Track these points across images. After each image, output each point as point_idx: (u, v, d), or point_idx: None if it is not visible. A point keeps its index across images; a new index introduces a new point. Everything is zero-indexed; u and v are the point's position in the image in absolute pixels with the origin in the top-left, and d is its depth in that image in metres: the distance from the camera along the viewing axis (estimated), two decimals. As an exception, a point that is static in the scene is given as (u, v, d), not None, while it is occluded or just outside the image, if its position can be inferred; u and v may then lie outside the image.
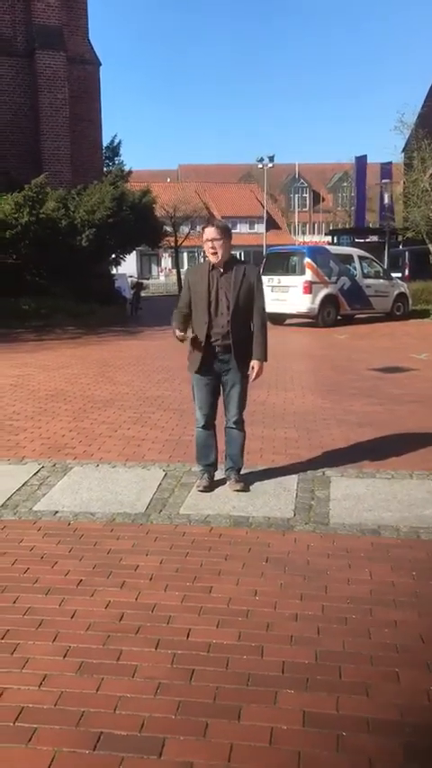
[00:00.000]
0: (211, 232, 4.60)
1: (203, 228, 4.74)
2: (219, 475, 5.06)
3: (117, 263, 23.29)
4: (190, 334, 4.70)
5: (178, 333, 4.79)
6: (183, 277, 5.10)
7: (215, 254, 4.60)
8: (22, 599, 3.37)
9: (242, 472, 5.05)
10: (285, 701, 2.57)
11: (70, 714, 2.50)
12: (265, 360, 4.80)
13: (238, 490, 4.85)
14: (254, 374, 4.76)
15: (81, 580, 3.57)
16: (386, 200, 29.12)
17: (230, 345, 4.67)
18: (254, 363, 4.75)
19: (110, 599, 3.36)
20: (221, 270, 4.67)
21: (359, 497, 4.76)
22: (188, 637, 3.02)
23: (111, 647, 2.94)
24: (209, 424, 4.92)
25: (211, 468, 4.98)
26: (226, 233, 4.64)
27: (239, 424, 4.90)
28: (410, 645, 2.96)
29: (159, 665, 2.80)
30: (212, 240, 4.58)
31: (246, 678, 2.71)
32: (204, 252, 4.72)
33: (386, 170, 31.77)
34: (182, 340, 4.77)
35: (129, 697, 2.60)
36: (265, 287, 5.07)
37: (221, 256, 4.61)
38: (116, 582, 3.54)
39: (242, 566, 3.72)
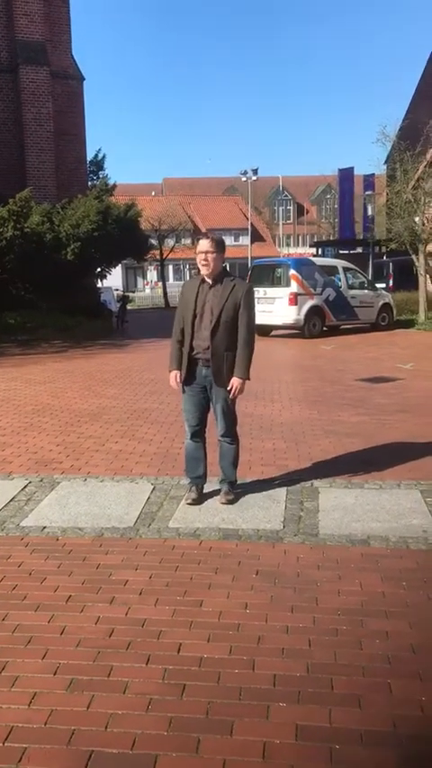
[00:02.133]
0: (204, 244, 4.60)
1: (198, 240, 4.75)
2: (209, 487, 5.05)
3: (103, 277, 23.28)
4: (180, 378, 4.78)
5: (172, 377, 4.81)
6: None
7: (206, 265, 4.61)
8: (10, 616, 3.33)
9: (228, 483, 5.05)
10: (278, 715, 2.56)
11: (60, 733, 2.47)
12: (246, 378, 4.71)
13: (223, 503, 4.84)
14: (233, 392, 4.69)
15: (70, 596, 3.54)
16: (369, 212, 29.39)
17: (209, 358, 4.68)
18: (234, 381, 4.67)
19: (99, 615, 3.33)
20: (211, 283, 4.67)
21: (348, 508, 4.76)
22: (179, 651, 3.00)
23: (101, 663, 2.91)
24: (197, 436, 4.91)
25: (199, 480, 4.97)
26: (219, 246, 4.64)
27: (229, 437, 4.90)
28: (402, 655, 2.95)
29: (150, 681, 2.78)
30: (206, 252, 4.59)
31: (238, 692, 2.70)
32: (197, 264, 4.73)
33: (368, 182, 32.03)
34: (175, 383, 4.82)
35: (120, 714, 2.57)
36: None
37: (212, 269, 4.62)
38: (106, 597, 3.52)
39: (232, 579, 3.71)
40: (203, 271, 4.65)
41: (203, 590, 3.58)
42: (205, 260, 4.60)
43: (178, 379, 4.79)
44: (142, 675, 2.82)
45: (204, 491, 5.01)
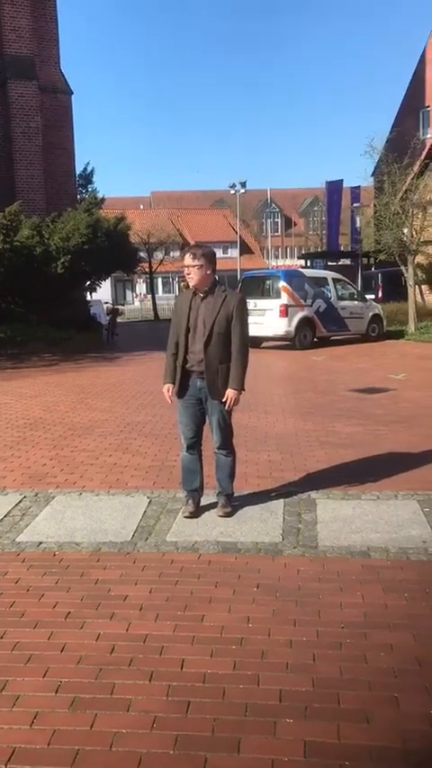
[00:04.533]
0: (186, 258, 4.65)
1: (183, 256, 4.79)
2: (206, 500, 5.01)
3: (93, 290, 23.24)
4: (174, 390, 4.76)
5: (164, 389, 4.81)
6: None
7: (191, 278, 4.64)
8: (9, 634, 3.28)
9: (225, 496, 5.02)
10: (285, 731, 2.52)
11: (64, 754, 2.42)
12: (242, 389, 4.68)
13: (221, 515, 4.81)
14: (228, 403, 4.67)
15: (69, 612, 3.49)
16: (357, 224, 29.56)
17: (203, 371, 4.66)
18: (229, 392, 4.64)
19: (100, 631, 3.28)
20: (203, 295, 4.67)
21: (346, 519, 4.74)
22: (182, 667, 2.95)
23: (103, 680, 2.86)
24: (193, 448, 4.87)
25: (195, 493, 4.93)
26: (206, 258, 4.61)
27: (225, 450, 4.87)
28: (408, 668, 2.92)
29: (154, 698, 2.73)
30: (188, 266, 4.63)
31: (243, 708, 2.65)
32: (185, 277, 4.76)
33: (355, 194, 32.24)
34: (167, 396, 4.80)
35: (124, 733, 2.52)
36: None
37: (197, 281, 4.63)
38: (105, 613, 3.47)
39: (233, 593, 3.67)
40: (190, 283, 4.70)
41: (204, 604, 3.54)
42: (188, 273, 4.63)
43: (170, 393, 4.77)
44: (146, 693, 2.77)
45: (201, 504, 4.96)
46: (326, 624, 3.31)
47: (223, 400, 4.67)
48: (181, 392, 4.75)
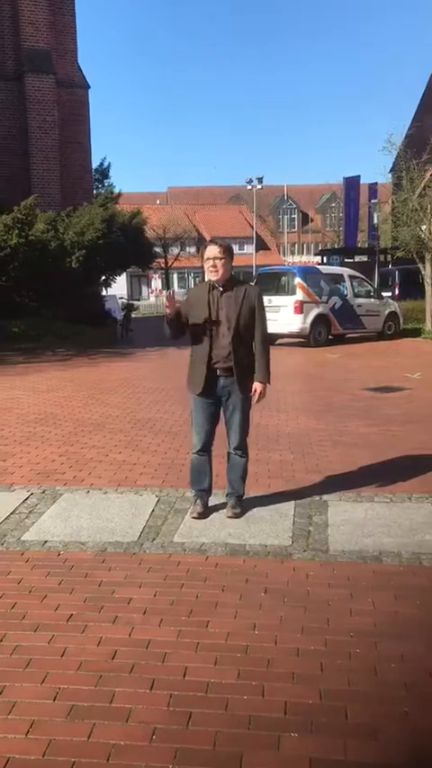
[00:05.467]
0: (213, 250, 4.52)
1: (205, 247, 4.64)
2: (214, 500, 4.91)
3: (107, 285, 23.19)
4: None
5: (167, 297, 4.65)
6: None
7: (215, 272, 4.51)
8: (9, 636, 3.20)
9: (236, 496, 4.93)
10: (289, 746, 2.42)
11: (60, 765, 2.33)
12: (269, 382, 4.72)
13: (230, 516, 4.72)
14: (257, 396, 4.67)
15: (71, 615, 3.40)
16: (375, 220, 29.29)
17: (232, 367, 4.56)
18: (257, 385, 4.65)
19: (102, 635, 3.20)
20: (222, 289, 4.57)
21: (358, 522, 4.62)
22: (185, 676, 2.86)
23: (103, 688, 2.78)
24: (205, 450, 4.77)
25: (204, 493, 4.84)
26: (228, 252, 4.57)
27: (242, 449, 4.78)
28: (419, 681, 2.81)
29: (155, 708, 2.64)
30: (214, 258, 4.50)
31: (247, 721, 2.56)
32: (204, 272, 4.63)
33: (373, 190, 31.98)
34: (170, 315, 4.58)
35: (122, 744, 2.44)
36: None
37: (222, 275, 4.52)
38: (108, 617, 3.38)
39: (239, 597, 3.57)
40: (212, 277, 4.55)
41: (210, 609, 3.44)
42: (214, 266, 4.51)
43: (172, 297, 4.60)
44: (146, 702, 2.68)
45: (209, 504, 4.87)
46: (335, 632, 3.21)
47: (251, 394, 4.64)
48: (204, 391, 4.61)
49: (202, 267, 4.69)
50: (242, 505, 4.82)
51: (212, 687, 2.77)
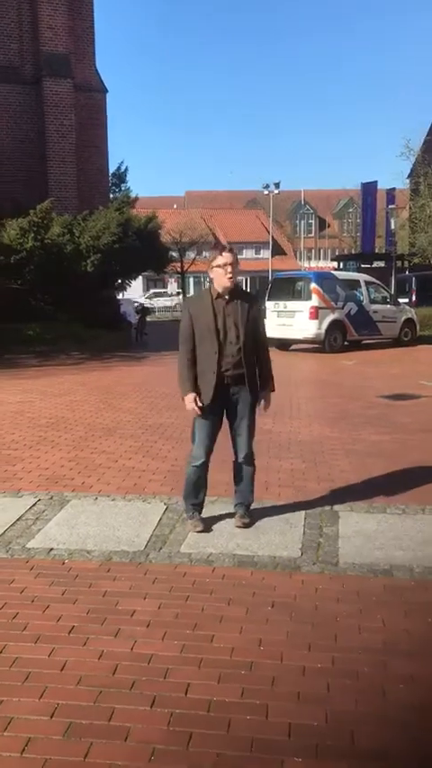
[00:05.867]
0: (229, 257, 4.43)
1: (220, 252, 4.50)
2: (222, 509, 4.83)
3: (123, 289, 23.19)
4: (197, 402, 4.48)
5: (188, 398, 4.49)
6: (182, 307, 4.93)
7: (232, 278, 4.43)
8: (9, 648, 3.13)
9: (245, 505, 4.87)
10: (292, 772, 2.33)
11: (54, 786, 2.26)
12: (274, 389, 4.73)
13: (239, 526, 4.63)
14: (265, 405, 4.68)
15: (73, 627, 3.33)
16: (392, 226, 29.11)
17: (243, 375, 4.48)
18: (265, 395, 4.65)
19: (103, 649, 3.12)
20: (227, 298, 4.48)
21: (369, 534, 4.52)
22: (187, 693, 2.78)
23: (102, 705, 2.70)
24: (207, 462, 4.66)
25: (199, 507, 4.75)
26: (237, 259, 4.52)
27: (250, 457, 4.69)
28: (429, 703, 2.71)
29: (155, 727, 2.56)
30: (231, 264, 4.41)
31: (249, 743, 2.47)
32: (211, 278, 4.53)
33: (391, 196, 31.80)
34: (195, 406, 4.47)
35: (120, 765, 2.36)
36: (271, 312, 4.95)
37: (234, 282, 4.48)
38: (111, 629, 3.30)
39: (246, 611, 3.48)
40: (229, 284, 4.43)
41: (215, 623, 3.36)
42: (231, 273, 4.41)
43: (198, 403, 4.49)
44: (146, 720, 2.60)
45: (217, 513, 4.80)
46: (342, 650, 3.11)
47: (260, 404, 4.63)
48: (213, 402, 4.49)
49: (208, 273, 4.60)
50: (251, 515, 4.73)
51: (215, 706, 2.69)
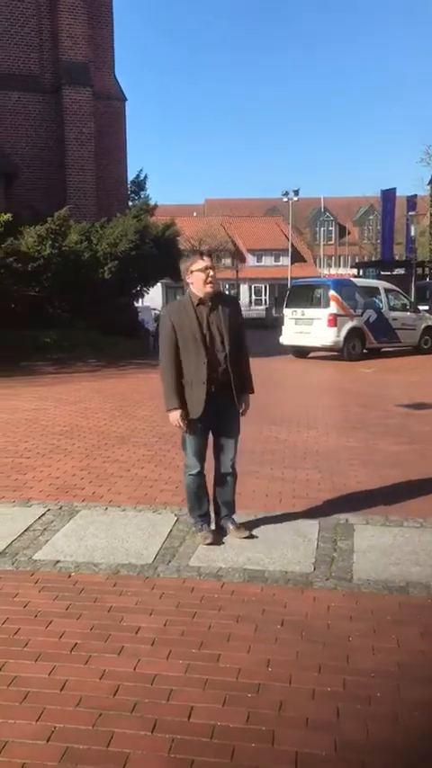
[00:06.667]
0: (207, 261, 4.35)
1: (195, 260, 4.38)
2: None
3: (141, 296, 23.17)
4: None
5: (173, 415, 4.35)
6: (161, 317, 4.84)
7: (212, 284, 4.32)
8: (8, 666, 3.03)
9: (260, 516, 4.81)
10: (298, 805, 2.20)
11: None
12: (252, 392, 4.61)
13: (245, 537, 4.50)
14: (245, 408, 4.57)
15: (76, 644, 3.22)
16: (412, 233, 28.89)
17: (230, 381, 4.35)
18: (245, 398, 4.56)
19: (105, 668, 3.01)
20: (209, 304, 4.37)
21: (385, 549, 4.37)
22: (190, 717, 2.65)
23: (101, 728, 2.58)
24: (203, 469, 4.55)
25: (207, 518, 4.63)
26: (215, 264, 4.48)
27: (233, 467, 4.58)
28: (445, 733, 2.56)
29: (155, 755, 2.44)
30: (212, 268, 4.33)
31: (253, 773, 2.34)
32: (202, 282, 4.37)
33: (411, 203, 31.57)
34: (182, 423, 4.36)
35: (116, 795, 2.24)
36: (289, 319, 4.84)
37: (217, 287, 4.38)
38: (114, 647, 3.19)
39: (254, 629, 3.35)
40: (209, 289, 4.31)
41: (222, 642, 3.23)
42: (213, 277, 4.31)
43: (181, 418, 4.35)
44: (146, 747, 2.48)
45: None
46: (354, 672, 2.97)
47: (241, 409, 4.54)
48: (204, 414, 4.35)
49: (185, 281, 4.47)
50: (248, 525, 4.65)
51: (219, 731, 2.57)
